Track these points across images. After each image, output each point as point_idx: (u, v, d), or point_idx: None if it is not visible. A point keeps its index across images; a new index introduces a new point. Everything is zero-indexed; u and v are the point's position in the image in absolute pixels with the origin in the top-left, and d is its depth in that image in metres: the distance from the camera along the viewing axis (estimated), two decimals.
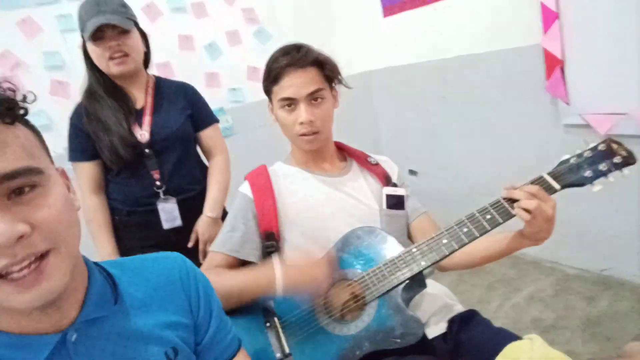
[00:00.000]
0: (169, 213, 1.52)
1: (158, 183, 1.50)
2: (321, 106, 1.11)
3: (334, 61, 1.15)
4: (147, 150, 1.48)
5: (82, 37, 1.43)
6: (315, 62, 1.10)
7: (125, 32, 1.41)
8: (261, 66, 1.17)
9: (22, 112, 0.55)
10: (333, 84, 1.16)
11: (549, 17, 1.95)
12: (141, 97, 1.53)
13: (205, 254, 1.49)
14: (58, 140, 2.01)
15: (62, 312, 0.59)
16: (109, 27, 1.37)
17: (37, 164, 0.53)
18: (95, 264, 0.69)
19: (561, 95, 2.03)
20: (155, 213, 1.51)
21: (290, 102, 1.09)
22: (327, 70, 1.13)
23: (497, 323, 1.05)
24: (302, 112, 1.09)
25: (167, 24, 2.56)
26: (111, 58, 1.41)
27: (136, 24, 1.48)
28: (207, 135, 1.66)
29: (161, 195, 1.51)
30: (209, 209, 1.58)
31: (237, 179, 1.20)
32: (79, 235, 0.59)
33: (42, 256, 0.52)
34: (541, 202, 0.90)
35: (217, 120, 1.71)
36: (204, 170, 1.69)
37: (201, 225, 1.56)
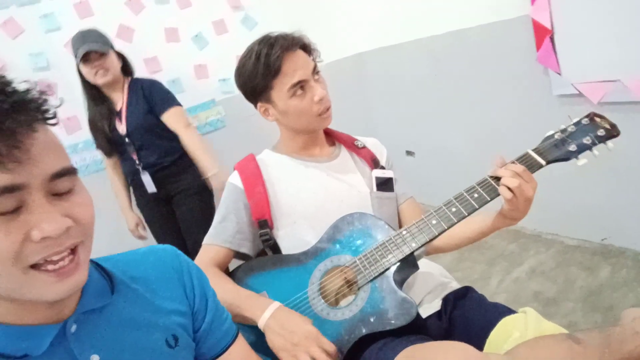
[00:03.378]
0: (147, 182, 2.08)
1: (137, 162, 2.05)
2: (322, 81, 1.11)
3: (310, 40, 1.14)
4: (126, 140, 2.02)
5: (76, 61, 1.92)
6: (301, 45, 1.09)
7: (103, 54, 1.92)
8: None
9: (56, 117, 0.58)
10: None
11: None
12: (120, 100, 2.04)
13: None
14: None
15: (62, 304, 0.60)
16: (92, 52, 1.89)
17: (71, 163, 0.57)
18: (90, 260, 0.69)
19: (552, 65, 2.00)
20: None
21: (302, 85, 1.07)
22: (310, 50, 1.12)
23: (498, 298, 1.06)
24: (317, 89, 1.07)
25: (151, 16, 2.54)
26: (96, 74, 1.93)
27: (112, 48, 1.99)
28: (165, 118, 2.05)
29: (140, 170, 2.06)
30: (206, 171, 2.03)
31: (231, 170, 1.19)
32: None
33: (72, 249, 0.56)
34: (523, 181, 0.90)
35: (174, 104, 2.07)
36: (174, 142, 2.07)
37: (212, 183, 2.03)
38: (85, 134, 2.36)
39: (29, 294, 0.53)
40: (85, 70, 1.93)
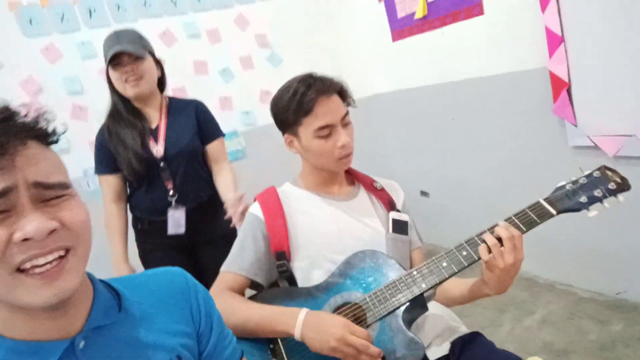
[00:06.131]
0: (176, 220, 1.70)
1: (171, 192, 1.69)
2: (349, 128, 1.16)
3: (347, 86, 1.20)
4: (161, 164, 1.67)
5: (106, 65, 1.61)
6: (338, 90, 1.15)
7: (138, 58, 1.59)
8: (273, 90, 1.20)
9: (55, 138, 0.63)
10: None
11: (554, 41, 1.98)
12: (156, 117, 1.72)
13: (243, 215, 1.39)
14: (76, 163, 2.06)
15: (69, 319, 0.62)
16: (124, 55, 1.57)
17: (67, 180, 0.61)
18: (99, 279, 0.72)
19: (568, 117, 2.04)
20: None
21: (329, 129, 1.12)
22: (346, 96, 1.18)
23: (507, 347, 1.06)
24: (342, 135, 1.12)
25: (182, 49, 2.66)
26: (127, 81, 1.60)
27: (151, 53, 1.67)
28: (213, 147, 1.82)
29: (173, 203, 1.69)
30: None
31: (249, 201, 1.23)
32: (91, 242, 0.64)
33: (61, 256, 0.58)
34: (509, 248, 0.94)
35: (222, 134, 1.87)
36: (211, 176, 1.83)
37: (229, 203, 1.54)
38: None
39: (16, 298, 0.56)
40: (114, 76, 1.60)
